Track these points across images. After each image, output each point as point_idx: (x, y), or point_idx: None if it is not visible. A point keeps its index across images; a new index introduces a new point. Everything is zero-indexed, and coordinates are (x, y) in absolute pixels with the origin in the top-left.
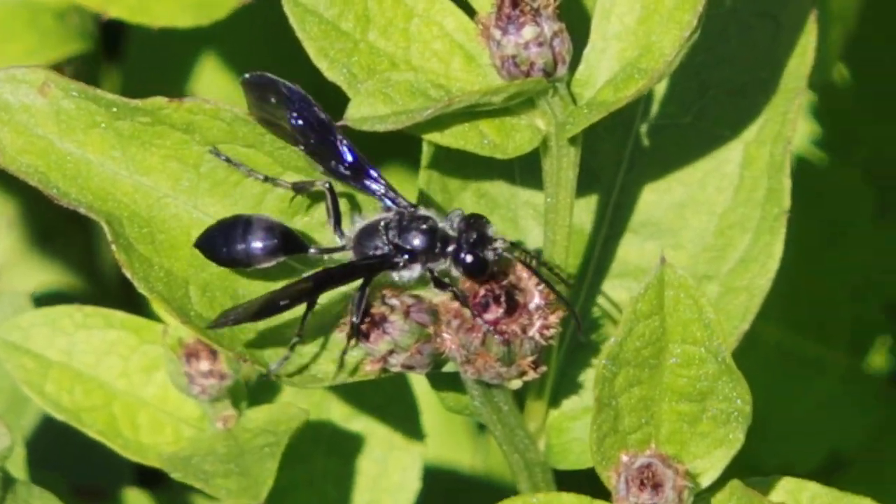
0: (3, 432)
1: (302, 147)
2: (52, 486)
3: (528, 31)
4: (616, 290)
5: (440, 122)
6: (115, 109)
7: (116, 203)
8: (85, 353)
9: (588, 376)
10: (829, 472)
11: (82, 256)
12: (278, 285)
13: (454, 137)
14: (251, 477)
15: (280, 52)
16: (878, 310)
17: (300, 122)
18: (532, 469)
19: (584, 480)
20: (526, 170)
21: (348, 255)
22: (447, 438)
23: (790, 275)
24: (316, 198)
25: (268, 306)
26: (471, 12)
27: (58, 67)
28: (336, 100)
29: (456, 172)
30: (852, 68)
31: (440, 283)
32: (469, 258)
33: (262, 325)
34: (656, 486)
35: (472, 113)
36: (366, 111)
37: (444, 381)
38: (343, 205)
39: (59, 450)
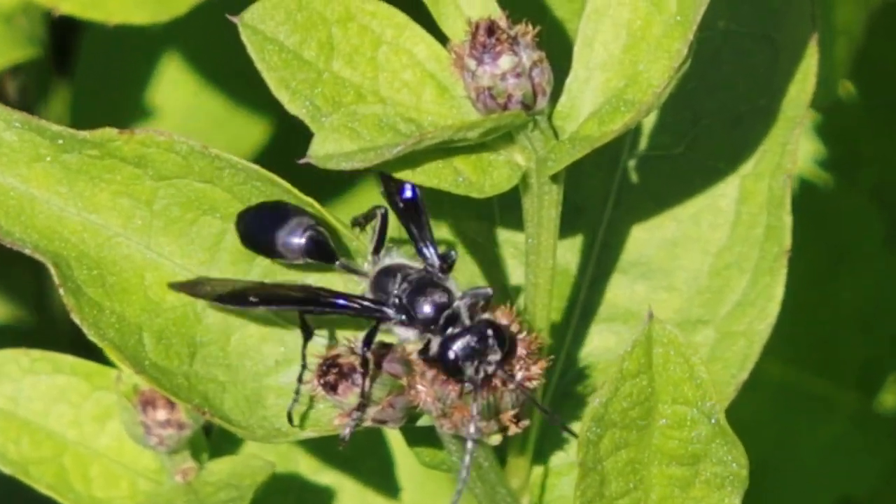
0: None
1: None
2: None
3: (505, 61)
4: (604, 334)
5: (411, 159)
6: (60, 141)
7: (64, 243)
8: (33, 401)
9: (575, 429)
10: None
11: (30, 294)
12: (244, 326)
13: (427, 175)
14: None
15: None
16: (889, 344)
17: None
18: None
19: None
20: (506, 207)
21: (362, 286)
22: (424, 492)
23: (793, 306)
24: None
25: (236, 295)
26: (443, 39)
27: (2, 77)
28: (304, 126)
29: (431, 209)
30: (859, 84)
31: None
32: (453, 356)
33: (223, 374)
34: None
35: (445, 149)
36: (331, 148)
37: (420, 435)
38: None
39: None
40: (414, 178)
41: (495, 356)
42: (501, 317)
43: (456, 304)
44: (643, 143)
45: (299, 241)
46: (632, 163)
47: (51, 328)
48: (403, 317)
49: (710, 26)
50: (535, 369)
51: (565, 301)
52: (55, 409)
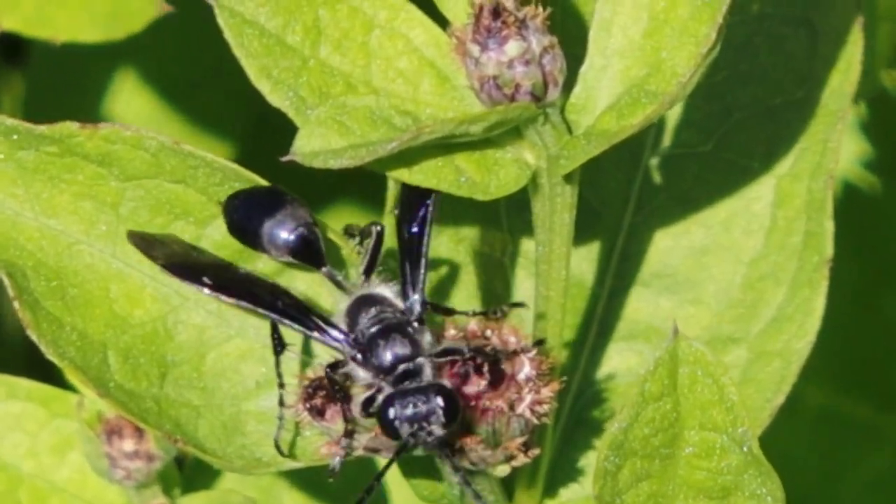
0: None
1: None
2: None
3: (513, 47)
4: (624, 353)
5: (407, 156)
6: (15, 137)
7: (19, 250)
8: None
9: (590, 460)
10: None
11: None
12: (221, 343)
13: (425, 175)
14: None
15: (211, 68)
16: None
17: None
18: None
19: None
20: (514, 210)
21: (342, 304)
22: None
23: (835, 322)
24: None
25: (188, 268)
26: (443, 23)
27: None
28: (285, 126)
29: None
30: None
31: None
32: (391, 415)
33: (197, 398)
34: None
35: (446, 145)
36: (317, 144)
37: (417, 466)
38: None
39: None
40: (410, 177)
41: (438, 427)
42: (507, 333)
43: (420, 359)
44: (667, 140)
45: (288, 235)
46: (654, 161)
47: (4, 347)
48: (359, 355)
49: (743, 9)
50: (546, 392)
51: (580, 316)
52: (10, 438)
